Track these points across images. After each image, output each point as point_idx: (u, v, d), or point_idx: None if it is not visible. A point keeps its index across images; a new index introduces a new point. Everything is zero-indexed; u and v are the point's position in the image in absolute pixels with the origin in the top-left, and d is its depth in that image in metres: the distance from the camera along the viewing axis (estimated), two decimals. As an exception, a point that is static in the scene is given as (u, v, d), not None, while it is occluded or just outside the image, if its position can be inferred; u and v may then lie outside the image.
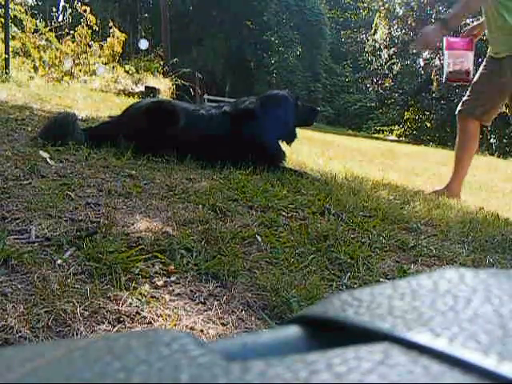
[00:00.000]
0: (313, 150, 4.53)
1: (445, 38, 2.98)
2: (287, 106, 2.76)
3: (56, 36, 8.27)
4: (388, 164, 5.05)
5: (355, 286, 1.37)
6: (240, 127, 2.60)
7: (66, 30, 8.61)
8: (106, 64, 8.62)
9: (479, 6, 2.92)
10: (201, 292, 1.19)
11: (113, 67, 8.65)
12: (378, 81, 20.49)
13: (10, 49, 6.35)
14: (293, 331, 0.21)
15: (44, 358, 0.18)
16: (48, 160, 2.12)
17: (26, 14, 7.82)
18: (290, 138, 2.82)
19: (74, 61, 8.11)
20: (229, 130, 2.59)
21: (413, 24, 18.10)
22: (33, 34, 7.86)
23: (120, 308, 1.04)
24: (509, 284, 0.21)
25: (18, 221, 1.43)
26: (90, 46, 8.57)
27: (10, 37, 6.44)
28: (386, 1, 20.16)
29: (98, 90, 7.23)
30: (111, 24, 9.09)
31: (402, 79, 18.98)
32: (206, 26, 21.73)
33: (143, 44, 11.18)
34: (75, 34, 8.41)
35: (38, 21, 8.42)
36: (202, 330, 1.03)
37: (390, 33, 19.37)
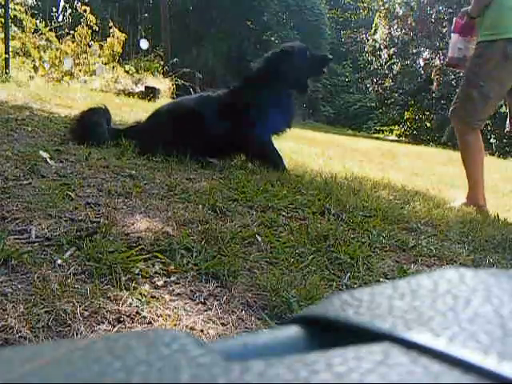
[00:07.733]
0: (313, 150, 4.53)
1: (455, 19, 2.80)
2: (297, 60, 2.72)
3: (56, 36, 8.26)
4: (388, 164, 5.04)
5: (355, 285, 1.37)
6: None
7: (66, 30, 8.60)
8: (106, 64, 8.60)
9: None
10: (201, 292, 1.19)
11: (113, 67, 8.63)
12: (377, 81, 20.44)
13: (10, 49, 6.34)
14: (293, 331, 0.21)
15: (44, 357, 0.18)
16: (48, 160, 2.12)
17: (26, 14, 7.79)
18: (303, 88, 2.85)
19: (74, 61, 8.10)
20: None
21: (413, 24, 18.07)
22: (33, 34, 7.85)
23: (120, 308, 1.04)
24: (509, 284, 0.21)
25: (18, 221, 1.43)
26: (89, 46, 8.56)
27: (10, 37, 6.43)
28: (386, 1, 20.11)
29: (98, 90, 7.22)
30: (111, 24, 9.07)
31: (402, 79, 18.91)
32: (206, 26, 21.69)
33: (143, 44, 11.15)
34: (75, 34, 8.39)
35: (37, 21, 8.40)
36: (202, 330, 1.03)
37: (389, 33, 19.31)
